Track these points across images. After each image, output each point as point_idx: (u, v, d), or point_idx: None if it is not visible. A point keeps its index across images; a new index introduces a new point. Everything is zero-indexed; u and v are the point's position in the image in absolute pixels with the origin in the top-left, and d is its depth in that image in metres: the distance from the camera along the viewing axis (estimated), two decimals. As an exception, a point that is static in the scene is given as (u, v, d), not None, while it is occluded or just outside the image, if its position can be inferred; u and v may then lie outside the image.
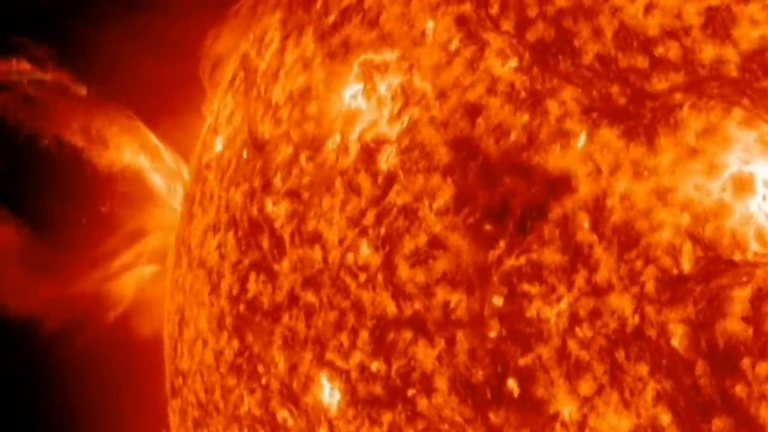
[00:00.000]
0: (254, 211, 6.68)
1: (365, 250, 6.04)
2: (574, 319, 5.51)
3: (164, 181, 8.68)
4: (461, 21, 6.03)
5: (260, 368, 6.56)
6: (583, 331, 5.49)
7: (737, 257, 5.36)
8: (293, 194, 6.45)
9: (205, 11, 8.27)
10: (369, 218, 6.05)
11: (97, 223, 8.95)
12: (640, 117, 5.55)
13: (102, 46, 8.74)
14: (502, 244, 5.68)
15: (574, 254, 5.53)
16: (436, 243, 5.83)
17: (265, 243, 6.57)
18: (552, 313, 5.55)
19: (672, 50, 5.57)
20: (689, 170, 5.44)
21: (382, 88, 6.17)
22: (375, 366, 5.98)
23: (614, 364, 5.44)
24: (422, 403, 5.85)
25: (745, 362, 5.25)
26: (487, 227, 5.72)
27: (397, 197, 5.97)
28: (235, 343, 6.73)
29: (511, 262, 5.65)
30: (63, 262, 8.88)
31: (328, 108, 6.41)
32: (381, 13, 6.30)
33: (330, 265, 6.18)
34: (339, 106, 6.35)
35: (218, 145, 7.39)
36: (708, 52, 5.54)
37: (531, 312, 5.59)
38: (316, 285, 6.24)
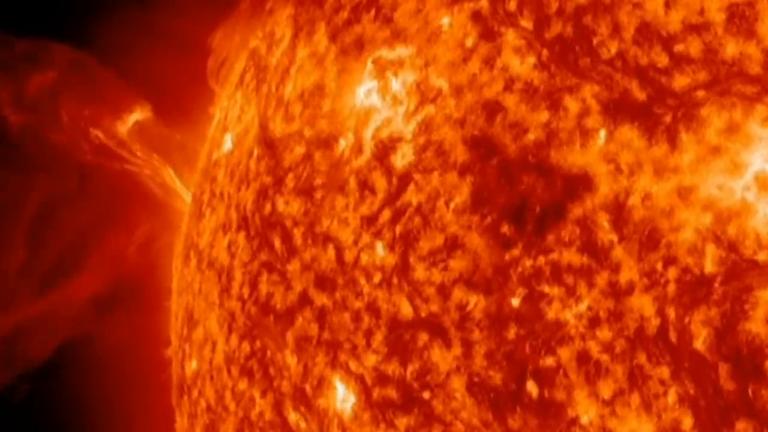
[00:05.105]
0: (266, 210, 6.63)
1: (380, 250, 5.99)
2: (594, 321, 5.48)
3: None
4: (478, 17, 5.98)
5: (272, 370, 6.52)
6: (604, 333, 5.46)
7: (761, 258, 5.32)
8: (306, 193, 6.40)
9: (213, 7, 8.26)
10: (384, 218, 6.00)
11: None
12: (661, 115, 5.51)
13: (109, 42, 8.74)
14: (520, 244, 5.64)
15: (594, 255, 5.49)
16: (452, 243, 5.78)
17: (277, 243, 6.52)
18: (571, 314, 5.52)
19: (693, 47, 5.53)
20: (711, 169, 5.41)
21: (397, 85, 6.12)
22: (390, 368, 5.94)
23: (635, 366, 5.40)
24: (439, 407, 5.81)
25: (769, 365, 5.23)
26: (505, 227, 5.68)
27: (412, 196, 5.92)
28: (246, 345, 6.69)
29: (529, 263, 5.61)
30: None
31: (341, 105, 6.36)
32: (395, 9, 6.26)
33: (344, 266, 6.13)
34: (352, 104, 6.30)
35: (228, 143, 7.35)
36: (730, 48, 5.50)
37: (550, 314, 5.55)
38: (329, 286, 6.19)
